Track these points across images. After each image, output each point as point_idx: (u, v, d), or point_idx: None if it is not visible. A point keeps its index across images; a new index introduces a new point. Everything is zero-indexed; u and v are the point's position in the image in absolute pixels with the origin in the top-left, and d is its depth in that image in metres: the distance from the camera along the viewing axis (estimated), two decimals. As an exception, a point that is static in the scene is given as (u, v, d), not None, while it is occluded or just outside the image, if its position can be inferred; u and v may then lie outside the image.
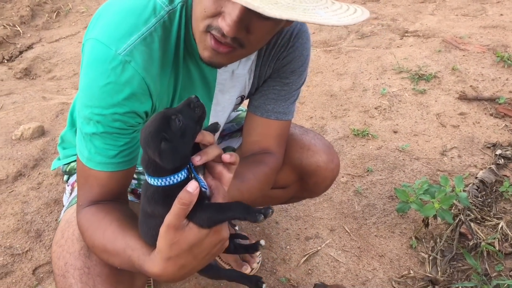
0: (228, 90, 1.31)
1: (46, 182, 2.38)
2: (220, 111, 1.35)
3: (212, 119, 1.35)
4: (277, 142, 1.42)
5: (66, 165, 1.54)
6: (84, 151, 1.12)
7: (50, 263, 1.91)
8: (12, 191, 2.33)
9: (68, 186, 1.52)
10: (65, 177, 1.56)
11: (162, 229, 0.91)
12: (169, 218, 0.89)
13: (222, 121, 1.42)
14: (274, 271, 1.92)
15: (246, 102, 1.47)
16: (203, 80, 1.23)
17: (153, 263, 0.96)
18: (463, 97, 2.93)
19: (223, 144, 1.65)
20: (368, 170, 2.44)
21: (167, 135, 0.91)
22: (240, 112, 1.73)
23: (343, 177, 2.42)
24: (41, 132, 2.78)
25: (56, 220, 2.13)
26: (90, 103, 1.05)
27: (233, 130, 1.68)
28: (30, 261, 1.94)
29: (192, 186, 0.88)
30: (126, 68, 1.02)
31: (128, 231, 1.05)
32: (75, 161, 1.51)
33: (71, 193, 1.46)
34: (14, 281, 1.85)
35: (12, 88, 3.39)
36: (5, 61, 3.80)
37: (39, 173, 2.44)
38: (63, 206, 1.48)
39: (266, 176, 1.35)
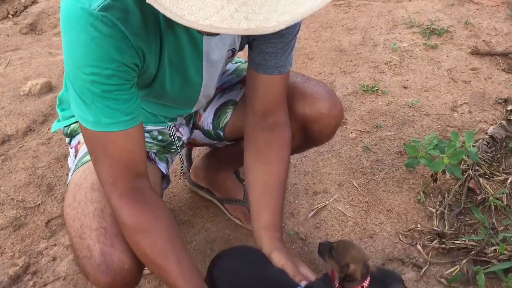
0: (217, 45, 1.27)
1: (55, 137, 2.39)
2: (212, 67, 1.33)
3: (205, 76, 1.33)
4: (282, 97, 1.42)
5: (67, 128, 1.52)
6: (88, 117, 1.08)
7: (62, 216, 1.95)
8: (22, 146, 2.35)
9: (71, 148, 1.51)
10: (67, 139, 1.55)
11: None
12: None
13: (215, 77, 1.40)
14: (283, 224, 1.94)
15: (240, 54, 1.45)
16: (189, 37, 1.19)
17: None
18: (476, 52, 2.88)
19: (224, 97, 1.63)
20: (377, 126, 2.43)
21: None
22: (239, 64, 1.70)
23: (351, 133, 2.41)
24: (49, 88, 2.77)
25: (67, 174, 2.15)
26: (78, 63, 1.02)
27: (233, 83, 1.66)
28: (43, 214, 1.97)
29: None
30: (104, 22, 0.98)
31: (185, 262, 1.18)
32: (75, 122, 1.49)
33: (75, 156, 1.46)
34: (27, 233, 1.89)
35: (18, 44, 3.36)
36: (10, 16, 3.75)
37: (48, 129, 2.45)
38: (69, 168, 1.48)
39: (288, 153, 1.42)
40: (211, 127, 1.65)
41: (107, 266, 1.17)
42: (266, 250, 1.35)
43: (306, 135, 1.57)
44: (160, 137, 1.53)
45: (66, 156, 2.26)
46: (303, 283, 1.27)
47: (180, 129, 1.62)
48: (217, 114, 1.62)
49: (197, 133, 1.71)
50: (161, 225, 1.19)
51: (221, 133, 1.64)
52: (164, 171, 1.54)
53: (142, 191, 1.20)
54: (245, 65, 1.59)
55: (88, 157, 1.35)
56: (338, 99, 1.55)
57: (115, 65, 1.03)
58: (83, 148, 1.42)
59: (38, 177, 2.15)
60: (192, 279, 1.18)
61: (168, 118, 1.53)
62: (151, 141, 1.52)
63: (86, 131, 1.12)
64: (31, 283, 1.70)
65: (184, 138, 1.64)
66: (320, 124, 1.52)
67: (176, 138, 1.57)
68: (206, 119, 1.65)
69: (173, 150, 1.60)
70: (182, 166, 1.73)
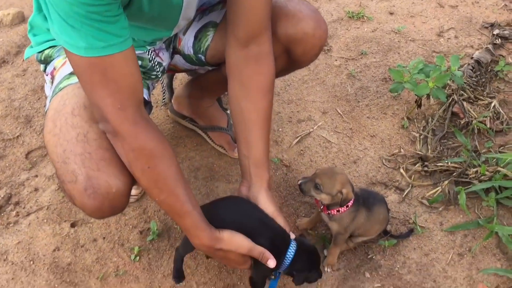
0: None
1: (31, 69, 2.31)
2: None
3: None
4: (267, 22, 1.35)
5: (40, 53, 1.44)
6: (79, 43, 1.00)
7: (42, 148, 1.91)
8: (-3, 78, 2.26)
9: (47, 76, 1.45)
10: (42, 66, 1.48)
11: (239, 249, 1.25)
12: (250, 252, 1.25)
13: None
14: (267, 152, 1.93)
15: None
16: None
17: (200, 241, 1.23)
18: (464, -24, 2.79)
19: (204, 19, 1.56)
20: (362, 53, 2.38)
21: None
22: None
23: (336, 60, 2.36)
24: (21, 18, 2.65)
25: (44, 105, 2.09)
26: None
27: (213, 3, 1.58)
28: (22, 146, 1.93)
29: (271, 264, 1.26)
30: None
31: (190, 190, 1.23)
32: (49, 47, 1.42)
33: (52, 82, 1.40)
34: (7, 164, 1.86)
35: (-15, -27, 3.17)
36: None
37: (23, 60, 2.36)
38: (46, 97, 1.42)
39: (272, 86, 1.41)
40: (191, 51, 1.59)
41: (94, 190, 1.15)
42: (254, 188, 1.38)
43: (289, 57, 1.52)
44: (140, 62, 1.47)
45: (42, 87, 2.19)
46: (292, 235, 1.33)
47: (160, 54, 1.56)
48: (198, 37, 1.56)
49: (178, 58, 1.65)
50: (171, 152, 1.19)
51: (202, 58, 1.59)
52: (146, 97, 1.49)
53: (148, 118, 1.17)
54: None
55: (66, 82, 1.30)
56: (323, 18, 1.49)
57: None
58: (60, 74, 1.36)
59: (15, 109, 2.09)
60: (196, 205, 1.22)
61: (147, 42, 1.47)
62: None
63: (79, 60, 1.03)
64: (13, 213, 1.69)
65: (165, 63, 1.58)
66: (304, 45, 1.47)
67: (156, 63, 1.51)
68: (187, 43, 1.59)
69: (153, 76, 1.55)
70: (163, 93, 1.68)
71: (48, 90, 1.44)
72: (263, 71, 1.39)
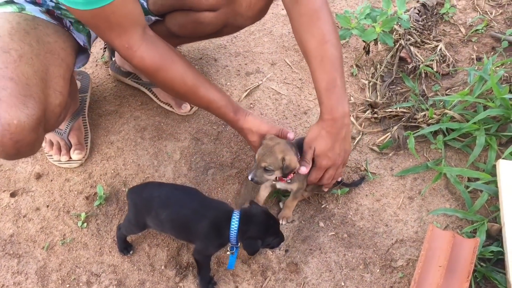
0: None
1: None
2: None
3: None
4: None
5: None
6: None
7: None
8: None
9: None
10: None
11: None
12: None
13: None
14: (215, 107, 1.87)
15: None
16: None
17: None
18: None
19: None
20: (309, 1, 2.31)
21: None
22: None
23: (283, 9, 2.29)
24: None
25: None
26: None
27: None
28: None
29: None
30: None
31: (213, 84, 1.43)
32: None
33: None
34: None
35: None
36: None
37: None
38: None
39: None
40: None
41: None
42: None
43: (234, 10, 1.45)
44: None
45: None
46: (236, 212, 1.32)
47: None
48: None
49: None
50: (184, 58, 1.34)
51: (145, 4, 1.49)
52: (82, 43, 1.40)
53: (154, 38, 1.28)
54: None
55: None
56: None
57: None
58: None
59: None
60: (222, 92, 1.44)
61: None
62: None
63: (82, 13, 1.11)
64: None
65: None
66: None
67: None
68: None
69: None
70: (104, 49, 1.58)
71: None
72: None
